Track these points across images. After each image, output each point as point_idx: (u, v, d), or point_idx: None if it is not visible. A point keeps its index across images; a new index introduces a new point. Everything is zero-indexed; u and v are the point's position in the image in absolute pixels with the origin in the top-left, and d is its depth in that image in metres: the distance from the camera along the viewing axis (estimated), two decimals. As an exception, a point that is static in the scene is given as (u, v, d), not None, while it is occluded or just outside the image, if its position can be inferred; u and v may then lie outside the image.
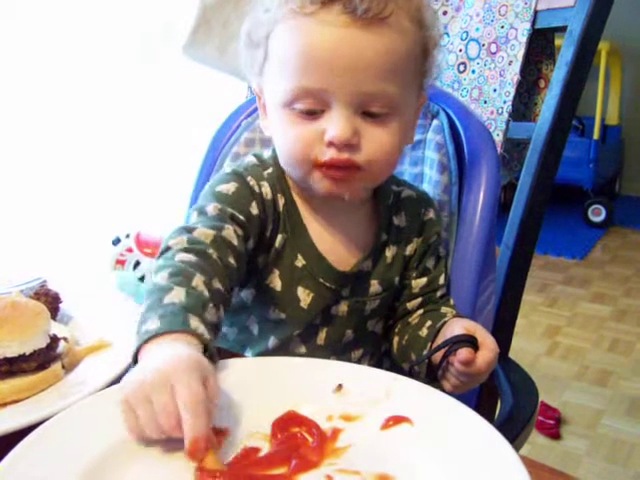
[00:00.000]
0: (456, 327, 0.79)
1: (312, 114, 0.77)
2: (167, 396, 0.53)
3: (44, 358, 0.69)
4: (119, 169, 2.27)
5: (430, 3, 0.84)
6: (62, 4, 2.00)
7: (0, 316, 0.67)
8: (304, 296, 0.85)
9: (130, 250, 2.32)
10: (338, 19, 0.74)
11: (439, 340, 0.81)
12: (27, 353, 0.67)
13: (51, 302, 0.81)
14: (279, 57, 0.79)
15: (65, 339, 0.74)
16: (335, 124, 0.75)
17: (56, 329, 0.75)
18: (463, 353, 0.74)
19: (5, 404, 0.64)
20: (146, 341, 0.60)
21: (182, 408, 0.53)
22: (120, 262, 2.33)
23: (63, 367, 0.70)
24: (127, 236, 2.35)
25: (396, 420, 0.59)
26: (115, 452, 0.55)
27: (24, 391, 0.66)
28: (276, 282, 0.85)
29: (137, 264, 2.32)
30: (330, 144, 0.76)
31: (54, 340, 0.71)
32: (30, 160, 2.04)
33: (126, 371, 0.67)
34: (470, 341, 0.76)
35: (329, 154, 0.77)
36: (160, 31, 2.18)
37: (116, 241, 2.33)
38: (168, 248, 0.72)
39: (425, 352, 0.82)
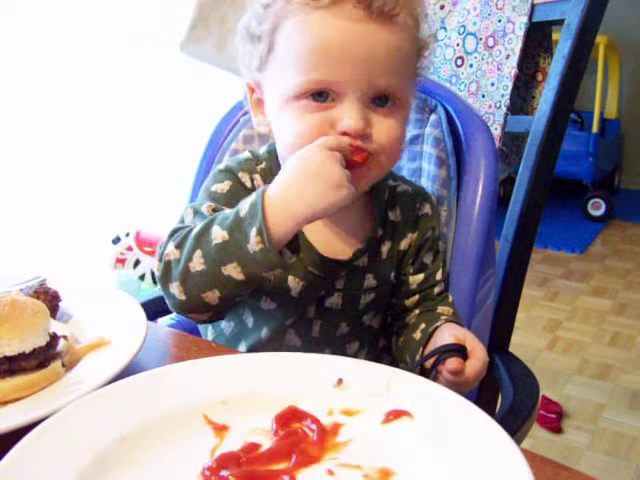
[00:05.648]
0: (446, 335, 0.81)
1: (322, 103, 0.78)
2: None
3: (44, 356, 0.68)
4: (118, 168, 2.27)
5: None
6: (61, 1, 2.00)
7: (0, 315, 0.67)
8: (294, 285, 0.86)
9: (130, 249, 2.33)
10: (353, 13, 0.75)
11: (430, 346, 0.83)
12: (27, 351, 0.67)
13: (50, 300, 0.80)
14: (291, 50, 0.79)
15: (65, 337, 0.73)
16: (349, 115, 0.77)
17: (56, 327, 0.74)
18: (453, 363, 0.75)
19: (6, 402, 0.64)
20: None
21: None
22: (120, 261, 2.34)
23: (63, 365, 0.70)
24: (127, 235, 2.36)
25: (396, 414, 0.59)
26: (115, 450, 0.55)
27: (24, 389, 0.65)
28: None
29: (137, 263, 2.33)
30: (344, 134, 0.77)
31: (54, 338, 0.71)
32: (30, 159, 2.04)
33: (126, 369, 0.67)
34: (459, 350, 0.77)
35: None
36: (157, 29, 2.18)
37: (116, 240, 2.34)
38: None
39: (417, 357, 0.84)
